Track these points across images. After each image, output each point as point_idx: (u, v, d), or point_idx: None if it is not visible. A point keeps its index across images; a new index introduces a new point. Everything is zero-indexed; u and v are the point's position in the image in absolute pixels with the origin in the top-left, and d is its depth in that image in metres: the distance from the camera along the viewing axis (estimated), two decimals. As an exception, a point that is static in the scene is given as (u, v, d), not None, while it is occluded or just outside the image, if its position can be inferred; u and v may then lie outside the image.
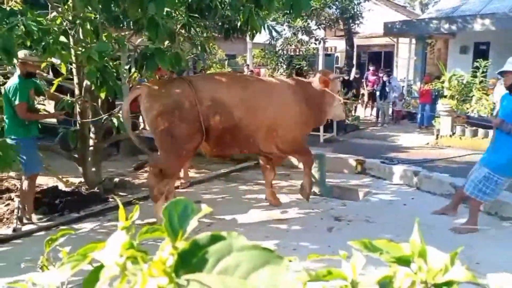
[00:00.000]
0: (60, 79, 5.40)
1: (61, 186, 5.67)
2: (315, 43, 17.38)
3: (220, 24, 6.48)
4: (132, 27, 5.37)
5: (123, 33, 5.64)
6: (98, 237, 4.22)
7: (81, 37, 4.74)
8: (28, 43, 4.19)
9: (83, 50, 4.21)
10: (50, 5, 4.95)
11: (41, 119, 4.96)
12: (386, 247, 0.57)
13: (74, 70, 5.30)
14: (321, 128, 9.12)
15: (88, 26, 4.64)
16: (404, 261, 0.54)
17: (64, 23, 4.62)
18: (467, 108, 9.76)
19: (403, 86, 13.68)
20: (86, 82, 5.14)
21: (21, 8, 4.22)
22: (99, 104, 5.51)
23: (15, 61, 4.23)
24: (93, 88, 4.93)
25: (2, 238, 4.33)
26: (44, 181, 5.81)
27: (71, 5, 4.85)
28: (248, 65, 17.83)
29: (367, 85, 13.92)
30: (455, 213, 4.91)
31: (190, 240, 0.46)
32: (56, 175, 5.79)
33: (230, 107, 4.38)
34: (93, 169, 5.66)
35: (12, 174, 5.79)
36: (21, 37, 3.86)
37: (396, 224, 4.57)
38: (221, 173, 6.83)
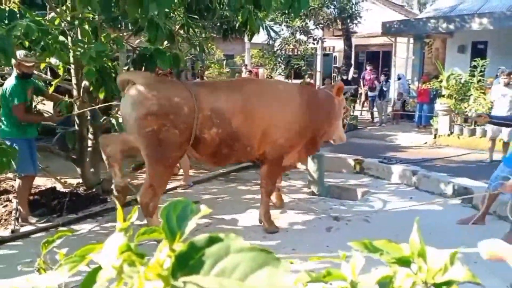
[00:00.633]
0: (58, 79, 5.39)
1: (59, 187, 5.66)
2: (313, 43, 17.41)
3: (218, 24, 6.48)
4: (130, 28, 5.36)
5: (121, 34, 5.63)
6: (96, 238, 4.21)
7: (79, 37, 4.74)
8: (27, 44, 4.18)
9: (82, 50, 4.20)
10: (48, 6, 4.94)
11: (37, 121, 4.95)
12: (386, 248, 0.57)
13: (72, 71, 5.29)
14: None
15: (87, 27, 4.64)
16: (404, 262, 0.54)
17: (63, 24, 4.61)
18: (465, 108, 9.77)
19: (396, 87, 13.75)
20: (84, 83, 5.13)
21: (19, 8, 4.20)
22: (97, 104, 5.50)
23: (13, 61, 4.22)
24: (91, 88, 4.93)
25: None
26: (42, 182, 5.80)
27: (69, 5, 4.84)
28: (246, 65, 17.84)
29: (364, 85, 13.94)
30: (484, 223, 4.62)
31: (187, 242, 0.46)
32: (54, 176, 5.78)
33: (229, 117, 4.05)
34: (92, 170, 5.65)
35: (10, 175, 5.77)
36: (20, 38, 3.85)
37: (394, 223, 4.57)
38: (220, 173, 6.82)
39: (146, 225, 4.15)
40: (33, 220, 4.68)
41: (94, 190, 5.57)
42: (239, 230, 4.60)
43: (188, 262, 0.45)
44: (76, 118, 5.44)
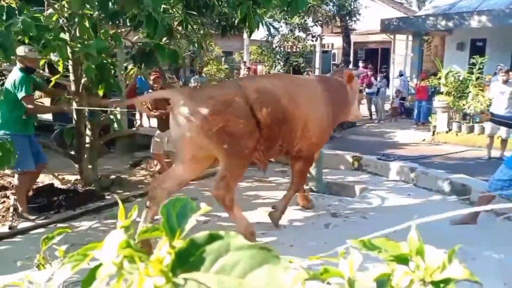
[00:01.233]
0: (58, 76, 5.38)
1: (57, 184, 5.65)
2: (312, 40, 17.38)
3: (217, 21, 6.47)
4: (128, 23, 5.35)
5: (119, 30, 5.62)
6: (95, 235, 4.21)
7: (78, 34, 4.73)
8: (26, 40, 4.17)
9: (81, 46, 4.19)
10: (46, 2, 4.92)
11: (47, 111, 4.91)
12: (385, 246, 0.57)
13: (70, 67, 5.28)
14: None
15: (87, 24, 4.62)
16: (402, 260, 0.54)
17: (61, 20, 4.60)
18: (464, 105, 9.79)
19: (398, 83, 13.77)
20: (84, 79, 5.12)
21: (17, 5, 4.19)
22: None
23: (18, 55, 4.21)
24: (90, 85, 4.93)
25: (-2, 236, 4.32)
26: (40, 179, 5.79)
27: (68, 1, 4.82)
28: (245, 62, 17.80)
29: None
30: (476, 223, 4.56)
31: (187, 239, 0.46)
32: (52, 172, 5.77)
33: (276, 101, 4.07)
34: (89, 166, 5.64)
35: (7, 171, 5.76)
36: (19, 34, 3.84)
37: (392, 220, 4.58)
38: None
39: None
40: (31, 217, 4.68)
41: (92, 186, 5.57)
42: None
43: (188, 259, 0.45)
44: (74, 115, 5.43)
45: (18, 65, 4.56)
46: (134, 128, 7.01)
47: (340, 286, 0.60)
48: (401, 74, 13.72)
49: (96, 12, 4.69)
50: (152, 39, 4.53)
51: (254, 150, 4.07)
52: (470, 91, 9.82)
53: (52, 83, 5.35)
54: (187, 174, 4.12)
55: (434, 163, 7.29)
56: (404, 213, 4.76)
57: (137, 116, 9.56)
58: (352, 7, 15.99)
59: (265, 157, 4.29)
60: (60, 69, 5.29)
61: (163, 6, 4.67)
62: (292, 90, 4.29)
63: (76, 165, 5.60)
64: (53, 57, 5.07)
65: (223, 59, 19.62)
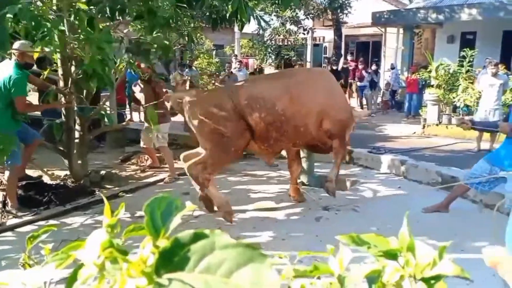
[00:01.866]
0: (48, 70, 5.30)
1: (47, 179, 5.59)
2: (304, 33, 17.37)
3: (207, 14, 6.40)
4: (120, 18, 5.26)
5: (110, 23, 5.54)
6: (85, 231, 4.17)
7: (75, 27, 4.63)
8: (23, 33, 4.05)
9: (90, 38, 4.09)
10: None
11: (40, 110, 4.82)
12: (374, 241, 0.56)
13: (58, 61, 5.19)
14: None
15: (82, 17, 4.53)
16: (391, 255, 0.53)
17: (52, 13, 4.50)
18: (454, 98, 9.85)
19: (389, 76, 13.80)
20: (73, 73, 5.04)
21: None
22: (84, 95, 5.42)
23: (16, 50, 4.11)
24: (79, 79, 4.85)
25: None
26: (29, 174, 5.72)
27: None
28: (236, 55, 17.72)
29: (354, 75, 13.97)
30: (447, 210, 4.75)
31: (171, 238, 0.45)
32: (41, 168, 5.71)
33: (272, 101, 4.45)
34: (79, 161, 5.58)
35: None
36: (13, 22, 3.73)
37: (383, 213, 4.62)
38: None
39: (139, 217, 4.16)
40: (19, 213, 4.62)
41: (82, 182, 5.51)
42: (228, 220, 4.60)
43: (172, 258, 0.44)
44: (63, 109, 5.36)
45: (13, 60, 4.44)
46: (124, 123, 6.94)
47: (331, 283, 0.59)
48: (392, 67, 13.76)
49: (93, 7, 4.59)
50: (151, 33, 4.57)
51: (243, 148, 4.65)
52: (460, 84, 9.88)
53: (44, 77, 5.26)
54: None
55: (425, 156, 7.33)
56: (395, 206, 4.79)
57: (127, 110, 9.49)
58: (344, 0, 15.97)
59: (273, 150, 4.81)
60: (56, 61, 5.18)
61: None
62: (294, 89, 4.56)
63: (66, 160, 5.54)
64: (47, 49, 4.97)
65: (214, 52, 19.51)
